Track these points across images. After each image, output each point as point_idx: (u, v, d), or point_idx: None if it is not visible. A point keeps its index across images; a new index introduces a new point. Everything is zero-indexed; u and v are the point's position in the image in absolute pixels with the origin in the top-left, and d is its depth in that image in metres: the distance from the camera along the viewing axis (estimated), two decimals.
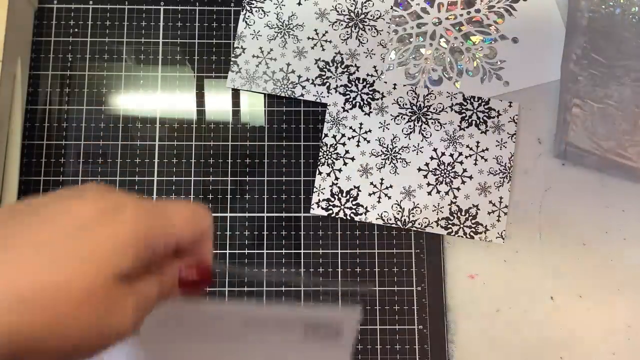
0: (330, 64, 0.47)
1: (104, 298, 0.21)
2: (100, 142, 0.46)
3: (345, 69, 0.47)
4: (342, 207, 0.45)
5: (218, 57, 0.48)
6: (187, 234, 0.25)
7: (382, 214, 0.45)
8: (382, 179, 0.46)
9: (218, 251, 0.44)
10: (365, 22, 0.48)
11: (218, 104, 0.47)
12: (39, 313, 0.20)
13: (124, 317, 0.22)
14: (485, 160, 0.46)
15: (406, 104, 0.47)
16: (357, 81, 0.47)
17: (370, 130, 0.46)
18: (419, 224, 0.45)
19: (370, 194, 0.46)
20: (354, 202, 0.45)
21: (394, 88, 0.47)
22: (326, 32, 0.48)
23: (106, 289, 0.21)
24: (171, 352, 0.31)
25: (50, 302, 0.20)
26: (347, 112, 0.47)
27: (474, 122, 0.47)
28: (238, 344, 0.29)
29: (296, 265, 0.44)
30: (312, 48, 0.48)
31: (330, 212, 0.45)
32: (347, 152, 0.46)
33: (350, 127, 0.46)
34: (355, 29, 0.48)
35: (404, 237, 0.45)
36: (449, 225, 0.45)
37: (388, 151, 0.46)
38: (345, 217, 0.45)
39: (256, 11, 0.48)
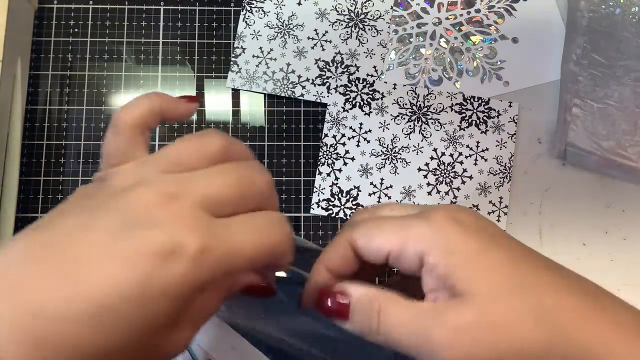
0: (330, 64, 0.47)
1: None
2: (100, 142, 0.46)
3: (345, 69, 0.47)
4: (342, 207, 0.45)
5: (218, 57, 0.47)
6: (258, 264, 0.22)
7: None
8: (382, 179, 0.46)
9: None
10: (365, 22, 0.48)
11: (218, 104, 0.47)
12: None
13: (179, 341, 0.21)
14: (485, 160, 0.46)
15: (406, 104, 0.47)
16: (357, 81, 0.47)
17: (370, 130, 0.46)
18: None
19: (370, 194, 0.46)
20: (354, 202, 0.45)
21: (394, 88, 0.47)
22: (326, 32, 0.48)
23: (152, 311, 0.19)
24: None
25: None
26: (347, 112, 0.47)
27: (474, 122, 0.47)
28: None
29: None
30: (312, 48, 0.48)
31: (330, 212, 0.45)
32: (347, 152, 0.46)
33: (350, 127, 0.46)
34: (355, 29, 0.48)
35: None
36: None
37: (388, 151, 0.46)
38: (345, 217, 0.45)
39: (256, 11, 0.48)
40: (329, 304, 0.25)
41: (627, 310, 0.23)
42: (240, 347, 0.33)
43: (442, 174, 0.46)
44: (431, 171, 0.46)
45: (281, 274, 0.32)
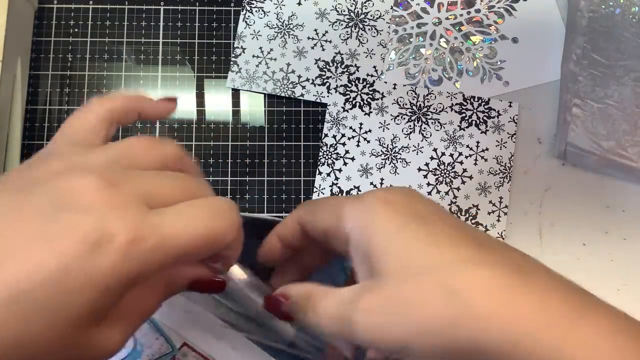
0: (330, 64, 0.47)
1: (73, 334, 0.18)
2: None
3: (345, 69, 0.47)
4: None
5: (218, 57, 0.47)
6: (197, 255, 0.21)
7: None
8: (382, 179, 0.46)
9: None
10: (365, 22, 0.48)
11: (218, 104, 0.47)
12: None
13: (107, 342, 0.20)
14: (485, 160, 0.46)
15: (406, 104, 0.47)
16: (357, 81, 0.47)
17: (370, 130, 0.46)
18: None
19: None
20: None
21: (394, 88, 0.47)
22: (326, 32, 0.48)
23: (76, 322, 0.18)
24: None
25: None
26: (347, 112, 0.47)
27: (474, 122, 0.47)
28: None
29: None
30: (312, 48, 0.48)
31: None
32: (347, 152, 0.46)
33: (350, 127, 0.46)
34: (355, 29, 0.48)
35: None
36: None
37: (388, 151, 0.46)
38: None
39: (256, 11, 0.48)
40: (274, 306, 0.25)
41: (559, 286, 0.21)
42: (215, 328, 0.33)
43: (442, 174, 0.46)
44: (431, 171, 0.46)
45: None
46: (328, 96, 0.47)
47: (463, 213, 0.45)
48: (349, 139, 0.46)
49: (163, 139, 0.24)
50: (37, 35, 0.47)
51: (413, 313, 0.21)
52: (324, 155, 0.46)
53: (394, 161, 0.46)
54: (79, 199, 0.19)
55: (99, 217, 0.18)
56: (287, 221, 0.28)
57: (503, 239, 0.45)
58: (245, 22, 0.48)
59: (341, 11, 0.48)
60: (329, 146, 0.46)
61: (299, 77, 0.47)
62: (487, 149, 0.46)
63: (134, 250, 0.18)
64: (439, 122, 0.47)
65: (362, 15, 0.48)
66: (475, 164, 0.46)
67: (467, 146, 0.46)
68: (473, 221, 0.45)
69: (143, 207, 0.20)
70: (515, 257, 0.22)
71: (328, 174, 0.46)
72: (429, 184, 0.46)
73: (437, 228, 0.23)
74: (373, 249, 0.22)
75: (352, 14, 0.48)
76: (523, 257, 0.22)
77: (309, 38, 0.48)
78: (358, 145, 0.46)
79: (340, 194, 0.45)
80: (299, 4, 0.48)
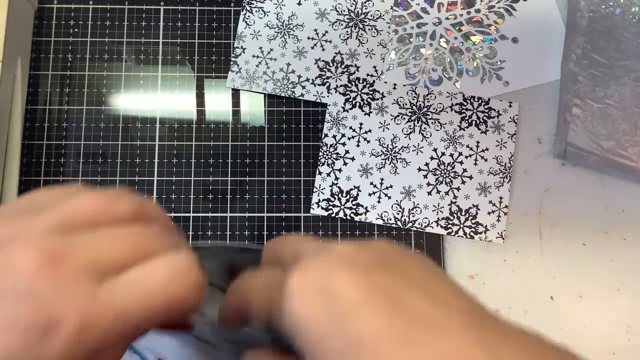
0: (330, 64, 0.47)
1: None
2: (100, 142, 0.46)
3: (345, 69, 0.47)
4: (342, 207, 0.45)
5: (218, 57, 0.48)
6: (158, 319, 0.19)
7: (382, 214, 0.45)
8: (382, 179, 0.46)
9: None
10: (365, 22, 0.48)
11: (218, 104, 0.47)
12: None
13: None
14: (485, 160, 0.46)
15: (406, 104, 0.47)
16: (357, 81, 0.47)
17: (370, 130, 0.46)
18: (419, 224, 0.45)
19: (370, 194, 0.46)
20: (354, 202, 0.45)
21: (394, 88, 0.47)
22: (326, 32, 0.48)
23: None
24: None
25: None
26: (347, 112, 0.47)
27: (474, 122, 0.47)
28: None
29: None
30: (312, 48, 0.48)
31: (330, 212, 0.45)
32: (347, 152, 0.46)
33: (350, 127, 0.46)
34: (355, 29, 0.48)
35: (404, 237, 0.45)
36: (449, 225, 0.45)
37: (388, 151, 0.46)
38: (345, 217, 0.45)
39: (256, 11, 0.48)
40: None
41: None
42: (191, 344, 0.32)
43: (442, 174, 0.46)
44: (431, 171, 0.46)
45: None
46: (328, 96, 0.47)
47: (463, 213, 0.45)
48: (349, 139, 0.46)
49: (116, 193, 0.21)
50: (37, 35, 0.47)
51: None
52: (324, 155, 0.46)
53: (394, 161, 0.46)
54: (19, 281, 0.17)
55: (44, 301, 0.17)
56: (228, 301, 0.25)
57: (503, 239, 0.45)
58: (245, 22, 0.48)
59: (341, 11, 0.48)
60: (329, 146, 0.46)
61: (299, 77, 0.47)
62: (487, 149, 0.46)
63: (86, 332, 0.17)
64: (439, 122, 0.47)
65: (362, 15, 0.48)
66: (475, 164, 0.46)
67: (467, 146, 0.46)
68: (473, 221, 0.45)
69: (93, 281, 0.18)
70: (458, 340, 0.19)
71: (328, 174, 0.46)
72: (429, 184, 0.46)
73: (358, 326, 0.19)
74: (302, 349, 0.20)
75: (352, 14, 0.48)
76: (468, 336, 0.19)
77: (309, 38, 0.48)
78: (358, 145, 0.46)
79: (340, 194, 0.45)
80: (299, 4, 0.48)
